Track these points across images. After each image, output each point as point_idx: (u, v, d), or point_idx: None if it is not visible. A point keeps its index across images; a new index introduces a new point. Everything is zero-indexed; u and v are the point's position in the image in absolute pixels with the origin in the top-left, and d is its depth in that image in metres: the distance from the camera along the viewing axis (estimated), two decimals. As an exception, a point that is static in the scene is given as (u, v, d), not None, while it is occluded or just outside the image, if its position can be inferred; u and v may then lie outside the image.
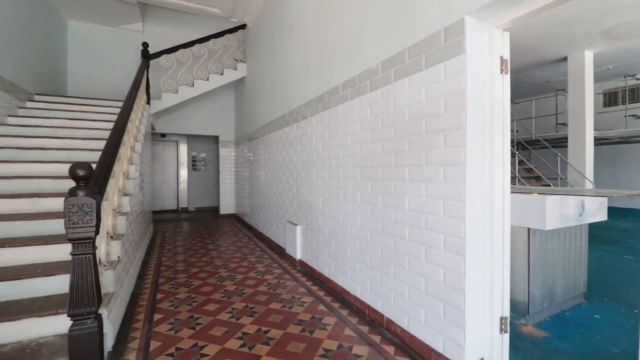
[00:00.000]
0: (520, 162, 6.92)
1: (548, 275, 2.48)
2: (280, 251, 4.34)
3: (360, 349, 2.01)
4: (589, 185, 5.54)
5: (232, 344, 2.08)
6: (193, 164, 9.57)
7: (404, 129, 2.06)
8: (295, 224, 3.76)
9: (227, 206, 7.91)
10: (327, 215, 3.08)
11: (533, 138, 7.67)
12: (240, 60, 6.59)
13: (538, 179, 6.98)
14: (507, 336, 1.80)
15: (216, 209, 9.31)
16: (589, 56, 5.59)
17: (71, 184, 2.64)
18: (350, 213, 2.68)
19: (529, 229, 2.33)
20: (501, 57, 1.76)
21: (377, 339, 2.14)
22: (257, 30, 5.72)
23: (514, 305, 2.37)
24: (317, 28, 3.29)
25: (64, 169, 3.26)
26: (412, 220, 2.00)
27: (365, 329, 2.28)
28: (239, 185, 7.40)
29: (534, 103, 8.40)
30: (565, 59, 5.87)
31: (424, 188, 1.91)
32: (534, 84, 7.84)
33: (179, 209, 9.33)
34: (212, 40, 6.31)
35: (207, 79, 6.33)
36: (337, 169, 2.89)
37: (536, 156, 7.80)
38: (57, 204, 2.76)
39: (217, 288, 3.06)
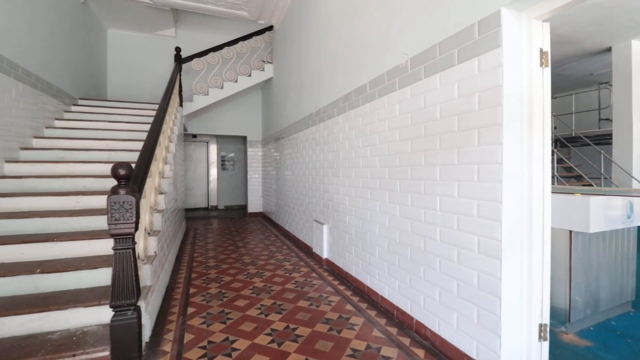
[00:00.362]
0: (559, 161, 6.53)
1: (591, 281, 2.33)
2: (306, 250, 4.37)
3: (389, 351, 1.99)
4: (636, 185, 5.13)
5: (262, 339, 2.12)
6: (222, 163, 9.85)
7: (435, 126, 2.00)
8: (322, 223, 3.77)
9: (254, 205, 8.07)
10: (354, 214, 3.06)
11: (573, 135, 7.20)
12: (267, 61, 6.70)
13: (579, 178, 6.56)
14: (546, 344, 1.70)
15: (244, 207, 9.54)
16: (636, 46, 5.16)
17: (112, 182, 2.81)
18: (378, 212, 2.65)
19: (570, 231, 2.20)
20: (541, 50, 1.67)
21: (406, 341, 2.10)
22: (284, 31, 5.78)
23: (554, 312, 2.25)
24: (344, 26, 3.27)
25: (106, 168, 3.47)
26: (444, 221, 1.94)
27: (393, 330, 2.25)
28: (266, 184, 7.53)
29: (574, 97, 7.90)
30: (609, 49, 5.45)
31: (456, 188, 1.85)
32: (575, 78, 7.36)
33: (209, 207, 9.64)
34: (240, 43, 6.45)
35: (236, 81, 6.49)
36: (364, 168, 2.87)
37: (576, 154, 7.34)
38: (100, 201, 2.94)
39: (247, 284, 3.14)
